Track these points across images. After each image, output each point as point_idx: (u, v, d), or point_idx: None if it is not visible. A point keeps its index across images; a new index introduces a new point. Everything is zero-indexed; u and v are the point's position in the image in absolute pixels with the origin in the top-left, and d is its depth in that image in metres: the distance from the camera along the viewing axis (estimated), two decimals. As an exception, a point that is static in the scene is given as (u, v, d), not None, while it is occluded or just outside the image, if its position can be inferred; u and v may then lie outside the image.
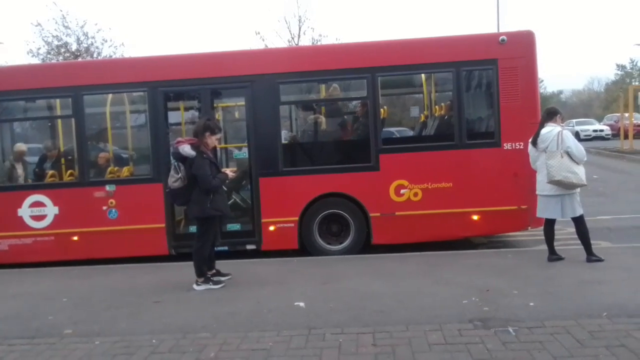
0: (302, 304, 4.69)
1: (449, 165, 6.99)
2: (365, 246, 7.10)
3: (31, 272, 6.88)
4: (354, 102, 7.72)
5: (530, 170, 6.18)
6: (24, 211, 7.29)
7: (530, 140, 6.02)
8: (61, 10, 25.37)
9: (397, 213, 6.99)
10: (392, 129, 8.60)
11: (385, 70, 7.08)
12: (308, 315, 4.40)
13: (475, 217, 6.94)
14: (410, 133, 8.32)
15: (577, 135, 23.98)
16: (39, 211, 7.29)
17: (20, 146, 7.92)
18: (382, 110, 7.26)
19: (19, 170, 7.76)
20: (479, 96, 7.45)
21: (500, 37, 6.95)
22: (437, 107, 7.51)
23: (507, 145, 6.88)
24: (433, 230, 6.99)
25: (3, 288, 6.03)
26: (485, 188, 6.91)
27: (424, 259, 6.42)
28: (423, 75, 7.43)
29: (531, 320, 3.99)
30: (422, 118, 7.78)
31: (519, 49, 6.93)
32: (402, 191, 7.00)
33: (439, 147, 7.10)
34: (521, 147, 6.65)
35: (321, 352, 3.57)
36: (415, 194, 6.99)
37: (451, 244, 7.09)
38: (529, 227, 7.03)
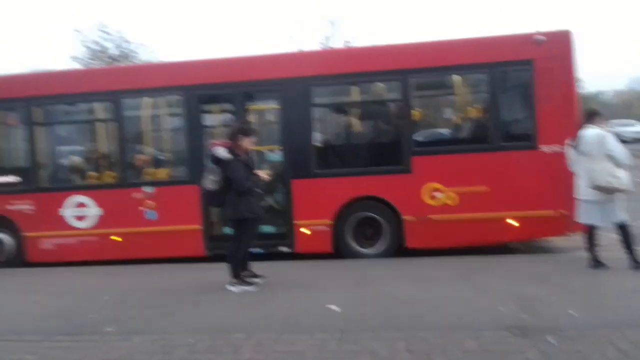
0: (335, 307, 4.70)
1: (484, 168, 6.88)
2: (399, 250, 7.06)
3: (74, 271, 7.15)
4: (387, 105, 7.68)
5: (569, 173, 6.02)
6: (68, 211, 7.58)
7: (569, 142, 5.87)
8: (101, 19, 26.22)
9: (431, 217, 6.92)
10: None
11: (418, 72, 7.03)
12: (341, 318, 4.40)
13: (511, 222, 6.80)
14: (444, 135, 8.20)
15: (617, 137, 23.06)
16: (82, 211, 7.56)
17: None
18: (415, 112, 7.21)
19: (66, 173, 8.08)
20: (515, 97, 7.30)
21: (537, 37, 6.79)
22: (471, 109, 7.39)
23: (544, 148, 6.72)
24: (468, 234, 6.89)
25: (48, 286, 6.29)
26: (523, 192, 6.76)
27: (459, 263, 6.33)
28: (457, 76, 7.33)
29: (572, 329, 3.89)
30: (456, 120, 7.67)
31: (556, 49, 6.76)
32: (435, 194, 6.93)
33: (474, 150, 7.00)
34: (560, 149, 6.48)
35: (355, 356, 3.58)
36: (450, 198, 6.90)
37: (487, 249, 6.97)
38: (569, 233, 6.83)
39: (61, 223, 7.57)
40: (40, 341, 4.19)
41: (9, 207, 7.66)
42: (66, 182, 8.07)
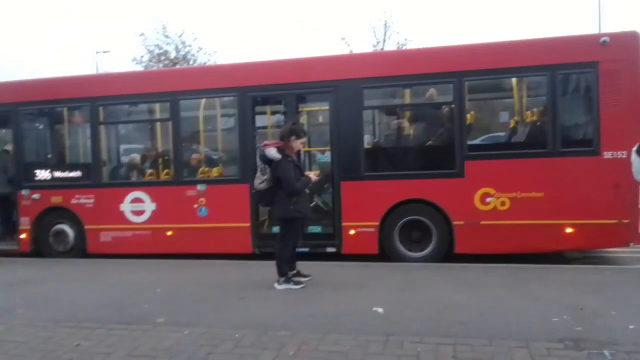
0: (380, 310, 4.66)
1: (541, 174, 6.62)
2: (447, 255, 6.92)
3: (129, 263, 7.47)
4: (440, 107, 7.55)
5: (633, 181, 5.69)
6: (126, 206, 7.94)
7: (634, 149, 5.54)
8: (162, 21, 27.29)
9: (482, 222, 6.74)
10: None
11: (473, 74, 6.86)
12: (386, 321, 4.37)
13: (569, 230, 6.51)
14: (500, 140, 7.96)
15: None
16: (139, 207, 7.90)
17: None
18: (469, 115, 7.05)
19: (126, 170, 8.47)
20: (576, 101, 6.98)
21: (602, 39, 6.47)
22: (528, 112, 7.14)
23: (607, 154, 6.38)
24: (521, 241, 6.65)
25: (105, 277, 6.60)
26: (582, 199, 6.46)
27: (511, 271, 6.13)
28: (514, 79, 7.11)
29: (630, 344, 3.67)
30: (512, 124, 7.43)
31: (622, 51, 6.42)
32: (488, 199, 6.74)
33: (530, 155, 6.74)
34: (624, 156, 6.14)
35: (399, 360, 3.53)
36: (503, 203, 6.70)
37: (541, 258, 6.70)
38: (631, 244, 6.46)
39: (119, 217, 7.94)
40: (97, 328, 4.40)
41: (73, 201, 8.12)
42: (125, 179, 8.45)
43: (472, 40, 7.31)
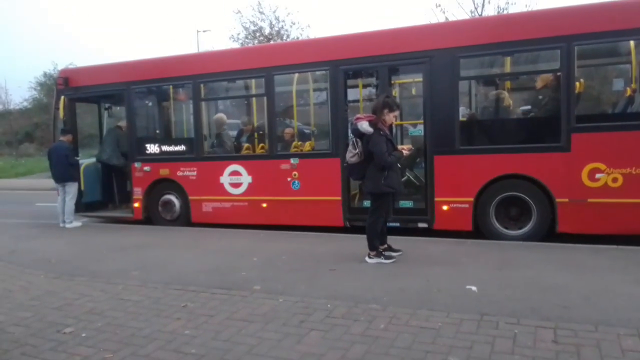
0: (474, 288, 4.53)
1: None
2: (548, 234, 6.52)
3: (228, 232, 7.93)
4: (544, 76, 7.00)
5: None
6: (225, 179, 8.38)
7: None
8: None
9: (590, 200, 6.25)
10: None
11: (585, 38, 6.26)
12: (480, 300, 4.24)
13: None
14: (612, 110, 7.23)
15: None
16: (236, 179, 8.31)
17: (221, 117, 9.07)
18: (578, 84, 6.47)
19: (221, 139, 8.91)
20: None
21: None
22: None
23: None
24: (635, 221, 6.08)
25: (207, 245, 7.07)
26: None
27: (622, 253, 5.64)
28: (632, 42, 6.37)
29: None
30: (628, 92, 6.70)
31: None
32: (597, 175, 6.21)
33: (648, 126, 6.08)
34: None
35: (494, 340, 3.42)
36: (615, 180, 6.14)
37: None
38: None
39: (219, 189, 8.41)
40: (200, 292, 4.75)
41: (179, 173, 8.73)
42: (224, 152, 8.89)
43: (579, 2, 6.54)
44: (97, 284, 5.19)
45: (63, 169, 8.98)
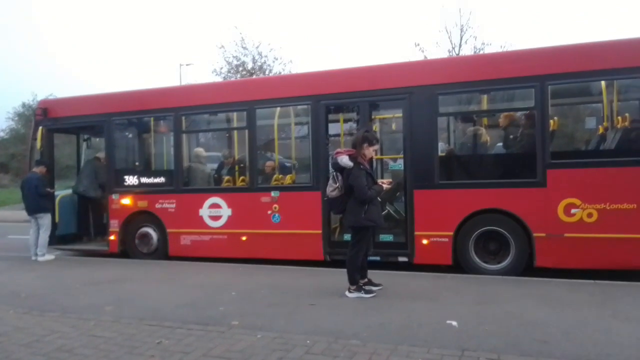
0: (454, 323, 4.51)
1: (634, 184, 6.12)
2: (526, 269, 6.57)
3: (206, 266, 7.79)
4: (519, 113, 7.20)
5: None
6: (204, 211, 8.29)
7: None
8: (241, 33, 28.33)
9: (566, 234, 6.34)
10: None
11: (558, 78, 6.49)
12: (461, 335, 4.21)
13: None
14: (586, 147, 7.45)
15: None
16: (216, 212, 8.23)
17: (199, 150, 9.06)
18: (552, 121, 6.67)
19: (197, 173, 8.86)
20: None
21: None
22: (619, 117, 6.62)
23: None
24: (610, 256, 6.19)
25: (184, 278, 6.92)
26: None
27: (599, 288, 5.70)
28: (603, 82, 6.63)
29: None
30: (600, 130, 6.93)
31: None
32: (573, 211, 6.33)
33: (622, 163, 6.25)
34: None
35: (474, 377, 3.39)
36: (590, 215, 6.26)
37: (630, 274, 6.19)
38: None
39: (198, 221, 8.31)
40: (176, 327, 4.62)
41: (157, 206, 8.61)
42: (204, 185, 8.82)
43: (557, 42, 6.80)
44: (68, 319, 5.01)
45: (34, 201, 8.78)
